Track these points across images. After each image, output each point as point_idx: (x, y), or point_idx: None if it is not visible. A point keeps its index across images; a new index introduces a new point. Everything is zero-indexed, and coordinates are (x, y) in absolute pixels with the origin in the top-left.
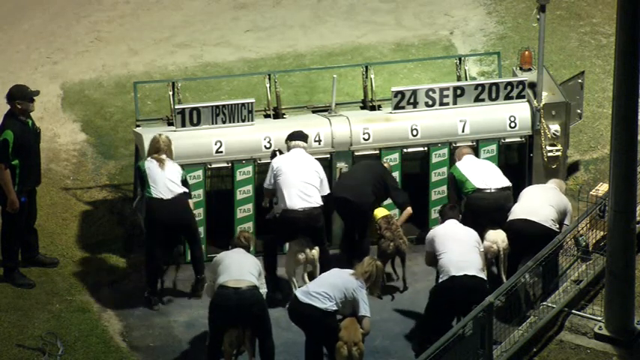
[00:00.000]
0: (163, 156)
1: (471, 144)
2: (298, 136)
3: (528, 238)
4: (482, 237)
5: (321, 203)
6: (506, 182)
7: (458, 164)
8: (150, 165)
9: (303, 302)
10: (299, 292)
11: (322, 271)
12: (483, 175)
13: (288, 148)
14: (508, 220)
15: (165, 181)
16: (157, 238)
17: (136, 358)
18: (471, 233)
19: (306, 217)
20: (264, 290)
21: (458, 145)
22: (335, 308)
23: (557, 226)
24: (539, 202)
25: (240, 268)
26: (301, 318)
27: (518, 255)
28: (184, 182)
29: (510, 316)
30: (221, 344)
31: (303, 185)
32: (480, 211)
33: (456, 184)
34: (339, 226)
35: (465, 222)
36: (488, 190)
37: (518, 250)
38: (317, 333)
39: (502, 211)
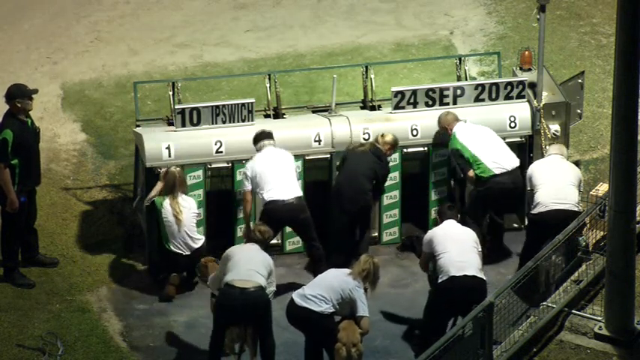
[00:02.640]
0: (179, 200)
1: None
2: (263, 136)
3: (560, 225)
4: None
5: (301, 194)
6: (516, 160)
7: (462, 140)
8: (169, 217)
9: (299, 306)
10: (295, 295)
11: (317, 267)
12: (494, 155)
13: (258, 150)
14: (538, 211)
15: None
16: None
17: (136, 358)
18: (469, 233)
19: (288, 210)
20: (272, 289)
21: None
22: (332, 310)
23: (581, 204)
24: (562, 185)
25: (248, 266)
26: (298, 321)
27: (540, 244)
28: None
29: (530, 294)
30: (223, 340)
31: (280, 179)
32: (498, 195)
33: (463, 157)
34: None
35: (483, 204)
36: (505, 171)
37: (544, 239)
38: (315, 335)
39: (517, 191)
